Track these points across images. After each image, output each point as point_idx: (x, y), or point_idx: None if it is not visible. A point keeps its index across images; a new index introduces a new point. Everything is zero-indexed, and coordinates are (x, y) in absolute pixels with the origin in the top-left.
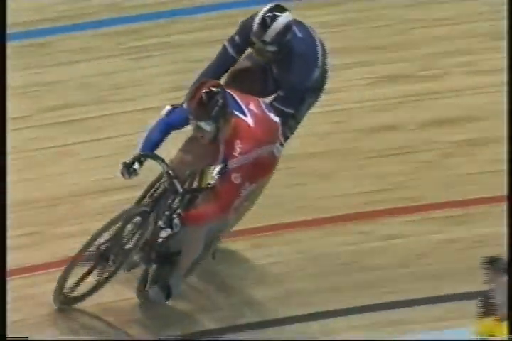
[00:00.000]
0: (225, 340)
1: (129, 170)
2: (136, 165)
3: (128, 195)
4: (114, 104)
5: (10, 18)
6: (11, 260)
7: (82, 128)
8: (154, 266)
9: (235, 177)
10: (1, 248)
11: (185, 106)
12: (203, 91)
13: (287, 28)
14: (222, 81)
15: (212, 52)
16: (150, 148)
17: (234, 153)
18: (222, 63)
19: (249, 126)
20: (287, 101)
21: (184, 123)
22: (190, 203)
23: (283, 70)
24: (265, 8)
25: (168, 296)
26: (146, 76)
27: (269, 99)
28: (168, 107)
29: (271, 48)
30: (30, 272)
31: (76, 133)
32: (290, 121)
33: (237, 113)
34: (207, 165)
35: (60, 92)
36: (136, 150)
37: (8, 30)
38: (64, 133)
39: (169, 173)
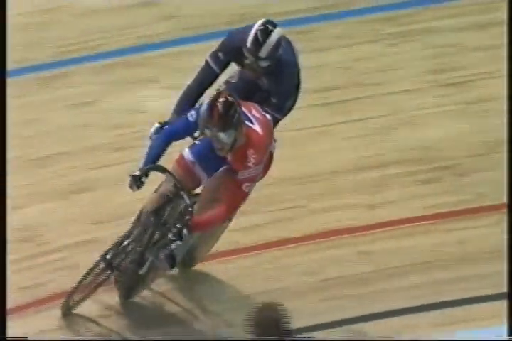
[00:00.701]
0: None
1: (137, 182)
2: (143, 178)
3: (379, 173)
4: (371, 87)
5: (276, 7)
6: (276, 231)
7: (341, 110)
8: (144, 269)
9: (246, 187)
10: (1, 249)
11: (190, 118)
12: (221, 101)
13: (279, 43)
14: None
15: (461, 38)
16: (153, 161)
17: (248, 164)
18: (206, 79)
19: (258, 134)
20: (280, 108)
21: (184, 134)
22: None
23: (274, 81)
24: (257, 25)
25: (172, 265)
26: (401, 61)
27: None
28: (156, 124)
29: (264, 64)
30: (290, 244)
31: (335, 114)
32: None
33: (246, 122)
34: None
35: (321, 76)
36: (141, 164)
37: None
38: (324, 114)
39: (177, 185)
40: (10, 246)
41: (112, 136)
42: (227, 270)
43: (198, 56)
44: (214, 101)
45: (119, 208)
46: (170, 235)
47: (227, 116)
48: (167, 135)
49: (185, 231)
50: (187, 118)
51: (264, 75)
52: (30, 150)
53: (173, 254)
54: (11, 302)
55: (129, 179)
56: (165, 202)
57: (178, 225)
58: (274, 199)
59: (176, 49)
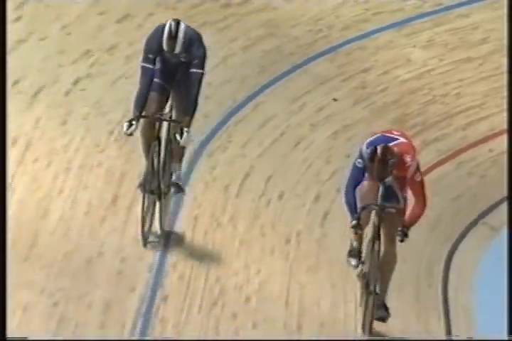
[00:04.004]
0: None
1: (357, 228)
2: (361, 222)
3: None
4: None
5: None
6: None
7: None
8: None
9: (417, 176)
10: (1, 249)
11: (359, 165)
12: (381, 150)
13: (187, 35)
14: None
15: None
16: (356, 209)
17: (407, 165)
18: (148, 78)
19: (404, 143)
20: (202, 65)
21: (361, 178)
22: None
23: (190, 51)
24: (167, 25)
25: (388, 315)
26: None
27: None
28: (126, 124)
29: (182, 55)
30: None
31: None
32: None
33: (394, 142)
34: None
35: None
36: (350, 216)
37: None
38: None
39: (381, 207)
40: None
41: None
42: None
43: None
44: (374, 153)
45: None
46: (398, 238)
47: (387, 166)
48: (351, 185)
49: (405, 230)
50: (357, 166)
51: (184, 51)
52: None
53: (385, 304)
54: None
55: (351, 230)
56: (378, 223)
57: (400, 229)
58: None
59: None
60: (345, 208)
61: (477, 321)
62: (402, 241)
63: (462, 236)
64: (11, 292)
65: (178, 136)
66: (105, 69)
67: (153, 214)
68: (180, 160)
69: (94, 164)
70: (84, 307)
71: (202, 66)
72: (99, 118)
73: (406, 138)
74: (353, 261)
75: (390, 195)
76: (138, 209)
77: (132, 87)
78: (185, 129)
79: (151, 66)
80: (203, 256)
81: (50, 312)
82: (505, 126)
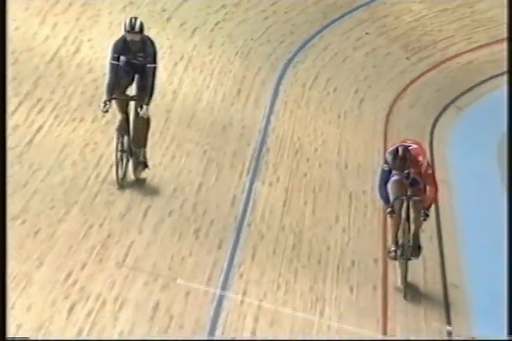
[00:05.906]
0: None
1: (392, 214)
2: (392, 210)
3: None
4: None
5: None
6: None
7: None
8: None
9: (428, 170)
10: (2, 249)
11: (385, 168)
12: (402, 151)
13: (142, 23)
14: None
15: None
16: (388, 199)
17: (420, 163)
18: (115, 73)
19: (414, 147)
20: (152, 61)
21: (387, 179)
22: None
23: (146, 50)
24: (128, 19)
25: (419, 254)
26: None
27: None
28: (102, 104)
29: (138, 37)
30: None
31: None
32: (155, 73)
33: (409, 148)
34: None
35: None
36: (384, 203)
37: None
38: None
39: (410, 196)
40: None
41: None
42: None
43: None
44: (396, 152)
45: None
46: (421, 218)
47: (406, 160)
48: (381, 183)
49: (426, 211)
50: (383, 169)
51: (140, 51)
52: None
53: (419, 245)
54: None
55: (388, 216)
56: (407, 209)
57: (422, 211)
58: None
59: None
60: (380, 201)
61: (454, 168)
62: (425, 220)
63: (441, 113)
64: (179, 146)
65: (139, 110)
66: (234, 16)
67: (126, 166)
68: (145, 136)
69: (227, 71)
70: (221, 154)
71: (154, 61)
72: (231, 44)
73: (418, 145)
74: (393, 247)
75: (414, 183)
76: (252, 97)
77: (248, 29)
78: (145, 106)
79: (116, 62)
80: (289, 125)
81: (201, 156)
82: (468, 47)
